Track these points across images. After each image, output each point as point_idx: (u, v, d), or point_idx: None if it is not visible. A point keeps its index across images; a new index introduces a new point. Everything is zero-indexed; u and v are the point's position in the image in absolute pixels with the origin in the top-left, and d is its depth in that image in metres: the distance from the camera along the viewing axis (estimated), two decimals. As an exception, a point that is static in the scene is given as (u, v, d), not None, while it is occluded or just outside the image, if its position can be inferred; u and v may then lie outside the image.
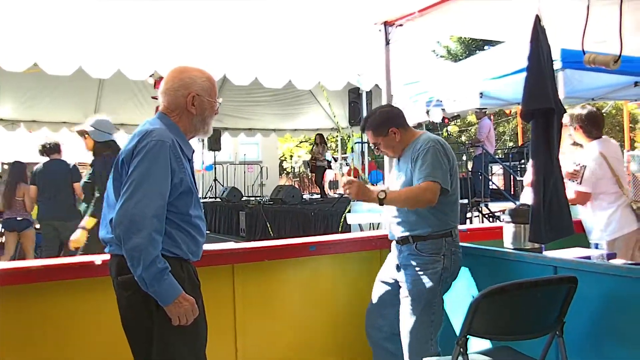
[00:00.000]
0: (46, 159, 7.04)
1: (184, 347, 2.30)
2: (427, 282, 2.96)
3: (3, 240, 7.76)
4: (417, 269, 3.00)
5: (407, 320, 3.00)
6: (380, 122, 3.16)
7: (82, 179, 6.35)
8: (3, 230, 7.66)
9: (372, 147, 3.28)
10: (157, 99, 8.68)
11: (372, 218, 7.38)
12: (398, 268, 3.12)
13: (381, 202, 2.94)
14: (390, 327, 3.17)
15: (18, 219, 7.38)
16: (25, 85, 10.40)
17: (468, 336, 2.25)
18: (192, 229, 2.37)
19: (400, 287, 3.10)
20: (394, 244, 3.21)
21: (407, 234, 3.05)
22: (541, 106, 2.76)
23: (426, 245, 3.00)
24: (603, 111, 12.33)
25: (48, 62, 6.65)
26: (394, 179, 3.24)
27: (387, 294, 3.21)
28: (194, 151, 2.48)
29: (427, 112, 8.72)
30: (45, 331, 2.89)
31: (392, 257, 3.22)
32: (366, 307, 3.31)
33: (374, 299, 3.28)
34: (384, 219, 3.26)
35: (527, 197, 3.85)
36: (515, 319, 2.34)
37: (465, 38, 19.96)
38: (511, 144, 18.83)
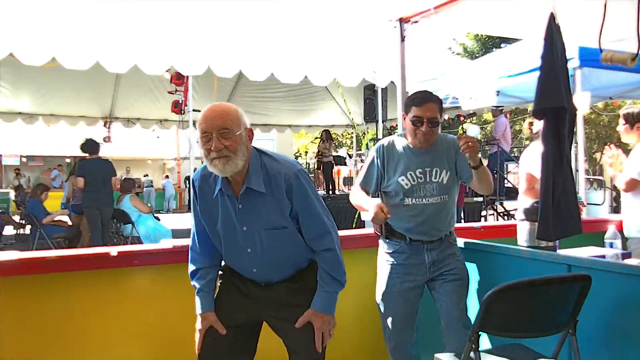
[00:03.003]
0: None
1: None
2: (465, 267, 3.08)
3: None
4: (456, 257, 3.07)
5: (460, 302, 2.97)
6: (441, 101, 3.04)
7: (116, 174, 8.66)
8: (71, 214, 9.22)
9: (422, 122, 2.92)
10: (173, 93, 8.81)
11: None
12: (433, 264, 3.02)
13: (477, 167, 2.88)
14: (415, 333, 3.15)
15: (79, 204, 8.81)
16: (44, 79, 10.51)
17: (480, 333, 2.25)
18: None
19: (431, 281, 3.06)
20: (411, 246, 3.04)
21: (442, 234, 3.05)
22: (552, 105, 2.75)
23: (452, 237, 3.11)
24: (621, 110, 12.24)
25: (66, 56, 6.73)
26: (418, 174, 3.01)
27: (414, 302, 3.10)
28: (220, 189, 2.36)
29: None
30: (60, 321, 2.93)
31: (413, 261, 3.05)
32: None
33: (403, 315, 3.08)
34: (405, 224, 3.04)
35: (522, 203, 3.87)
36: (528, 317, 2.33)
37: (481, 35, 19.84)
38: (527, 142, 18.73)
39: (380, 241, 3.18)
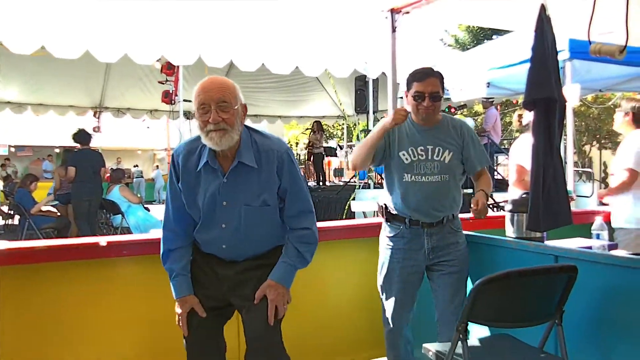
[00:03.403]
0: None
1: None
2: (466, 257, 3.07)
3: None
4: (458, 246, 3.05)
5: (455, 296, 2.98)
6: (443, 78, 3.05)
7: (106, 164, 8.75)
8: (58, 203, 9.15)
9: (424, 97, 2.93)
10: (163, 83, 8.77)
11: (376, 205, 7.40)
12: (433, 251, 3.01)
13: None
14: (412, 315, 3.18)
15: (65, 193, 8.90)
16: (32, 68, 10.43)
17: (468, 322, 2.27)
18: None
19: (430, 269, 3.06)
20: (410, 230, 3.03)
21: (442, 215, 3.02)
22: (543, 95, 2.76)
23: (455, 222, 3.09)
24: (611, 103, 12.31)
25: (55, 45, 6.68)
26: (419, 151, 3.00)
27: (413, 287, 3.10)
28: (206, 162, 2.34)
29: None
30: (50, 311, 2.93)
31: (413, 246, 3.04)
32: (367, 291, 3.31)
33: (402, 299, 3.09)
34: (404, 205, 3.01)
35: (511, 195, 3.91)
36: (515, 307, 2.35)
37: (473, 27, 19.84)
38: (517, 134, 18.80)
39: (383, 224, 3.19)
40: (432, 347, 2.53)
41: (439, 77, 3.00)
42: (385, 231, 3.16)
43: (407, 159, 3.00)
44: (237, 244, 2.42)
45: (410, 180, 3.00)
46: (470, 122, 11.46)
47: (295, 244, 2.45)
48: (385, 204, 3.14)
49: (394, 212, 3.08)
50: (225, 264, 2.47)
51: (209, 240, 2.46)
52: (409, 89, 3.01)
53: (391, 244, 3.10)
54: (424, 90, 2.94)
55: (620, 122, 4.32)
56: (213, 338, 2.46)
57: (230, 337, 2.62)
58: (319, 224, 3.84)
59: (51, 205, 9.19)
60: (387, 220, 3.13)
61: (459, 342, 2.27)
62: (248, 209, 2.37)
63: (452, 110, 11.77)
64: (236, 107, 2.28)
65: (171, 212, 2.49)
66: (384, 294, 3.15)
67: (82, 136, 8.56)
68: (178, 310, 2.43)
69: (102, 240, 2.98)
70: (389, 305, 3.12)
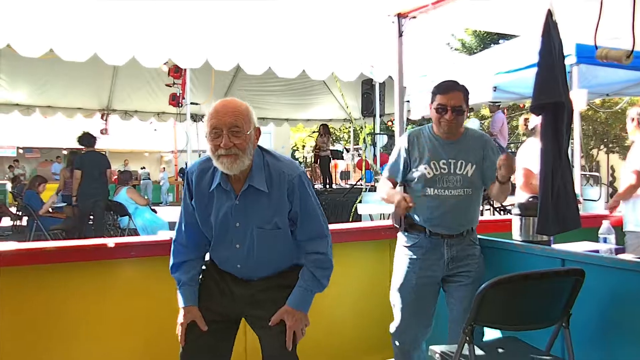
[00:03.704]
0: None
1: None
2: (483, 269, 3.05)
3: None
4: (475, 258, 3.03)
5: (469, 303, 2.94)
6: (467, 91, 3.01)
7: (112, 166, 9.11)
8: (65, 204, 9.21)
9: (446, 110, 2.91)
10: (170, 86, 8.80)
11: (383, 209, 7.41)
12: (452, 261, 2.98)
13: (503, 182, 2.86)
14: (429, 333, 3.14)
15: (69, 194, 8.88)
16: (41, 71, 10.50)
17: (474, 325, 2.28)
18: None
19: (447, 281, 3.03)
20: (430, 240, 3.00)
21: (463, 229, 3.02)
22: (551, 100, 2.76)
23: (473, 235, 3.08)
24: (618, 107, 12.28)
25: (64, 48, 6.72)
26: (441, 164, 2.98)
27: (430, 299, 3.06)
28: (218, 183, 2.34)
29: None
30: (58, 311, 2.95)
31: (431, 256, 3.01)
32: (374, 294, 3.31)
33: (417, 311, 3.05)
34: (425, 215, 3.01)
35: (518, 198, 3.91)
36: (522, 310, 2.36)
37: (480, 31, 19.80)
38: (524, 138, 18.76)
39: (399, 234, 3.15)
40: (438, 349, 2.54)
41: (463, 91, 2.97)
42: (402, 241, 3.12)
43: (429, 173, 2.98)
44: (252, 264, 2.43)
45: (432, 194, 2.98)
46: (476, 123, 11.46)
47: (312, 268, 2.44)
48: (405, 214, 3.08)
49: (414, 222, 3.05)
50: (241, 283, 2.47)
51: (224, 259, 2.48)
52: (432, 101, 3.00)
53: (409, 253, 3.05)
54: (446, 104, 2.92)
55: (631, 129, 4.37)
56: (211, 352, 2.44)
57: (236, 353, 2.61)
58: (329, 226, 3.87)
59: (59, 207, 9.24)
60: (405, 230, 3.09)
61: (465, 344, 2.28)
62: (260, 231, 2.37)
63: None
64: (249, 132, 2.26)
65: (184, 227, 2.50)
66: (397, 304, 3.09)
67: (86, 139, 8.67)
68: (180, 319, 2.43)
69: (110, 242, 3.01)
70: (402, 316, 3.06)
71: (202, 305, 2.45)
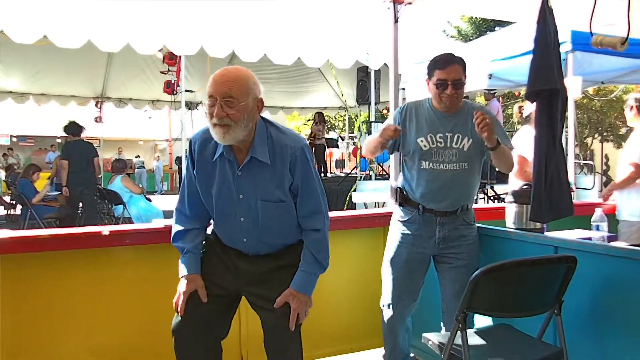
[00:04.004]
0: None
1: None
2: (476, 251, 3.05)
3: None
4: (468, 239, 3.02)
5: (463, 290, 2.96)
6: (465, 65, 2.99)
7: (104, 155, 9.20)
8: (59, 192, 9.37)
9: (447, 85, 2.90)
10: (165, 73, 8.77)
11: (377, 197, 7.42)
12: (443, 240, 3.00)
13: (493, 149, 2.84)
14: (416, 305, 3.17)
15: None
16: (35, 58, 10.43)
17: (467, 312, 2.29)
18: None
19: (438, 260, 3.06)
20: (423, 217, 3.01)
21: (457, 205, 3.00)
22: (545, 87, 2.76)
23: (469, 215, 3.06)
24: (613, 95, 12.29)
25: (57, 34, 6.68)
26: (438, 138, 2.97)
27: (419, 274, 3.10)
28: (221, 153, 2.32)
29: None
30: (52, 299, 2.96)
31: (424, 233, 3.03)
32: (368, 281, 3.32)
33: (406, 284, 3.09)
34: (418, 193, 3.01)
35: (512, 186, 3.92)
36: (514, 297, 2.37)
37: (476, 18, 19.74)
38: (519, 126, 18.76)
39: (395, 207, 3.16)
40: (432, 337, 2.55)
41: (461, 63, 2.97)
42: (397, 215, 3.14)
43: (425, 146, 2.96)
44: (258, 238, 2.41)
45: (428, 167, 2.97)
46: None
47: (312, 250, 2.44)
48: (400, 188, 3.11)
49: (409, 197, 3.06)
50: (247, 259, 2.45)
51: (229, 233, 2.46)
52: (430, 76, 2.97)
53: (403, 227, 3.08)
54: (446, 78, 2.90)
55: (630, 116, 4.36)
56: (207, 325, 2.43)
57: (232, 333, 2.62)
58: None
59: (53, 196, 9.23)
60: (400, 205, 3.11)
61: (458, 332, 2.29)
62: (265, 204, 2.35)
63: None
64: (244, 103, 2.21)
65: (186, 196, 2.48)
66: (388, 277, 3.13)
67: (73, 128, 8.76)
68: (182, 288, 2.38)
69: (105, 230, 3.00)
70: (392, 289, 3.11)
71: (204, 277, 2.43)
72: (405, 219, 3.08)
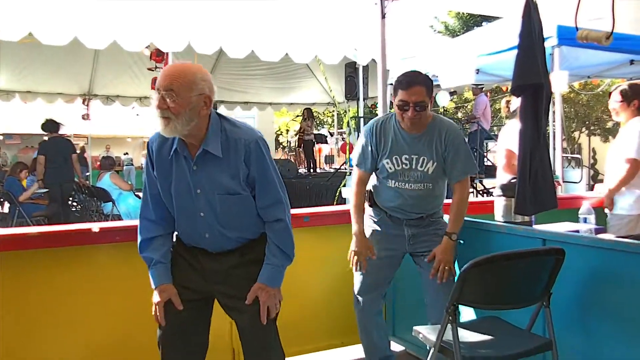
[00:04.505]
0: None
1: None
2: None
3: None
4: (439, 232, 3.08)
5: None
6: (430, 82, 2.93)
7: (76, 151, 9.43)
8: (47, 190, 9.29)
9: (408, 107, 2.86)
10: (152, 70, 8.69)
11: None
12: (413, 237, 3.08)
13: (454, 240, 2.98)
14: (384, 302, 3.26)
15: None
16: (20, 55, 10.32)
17: (457, 305, 2.31)
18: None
19: (415, 255, 3.13)
20: (391, 218, 3.12)
21: (423, 214, 3.08)
22: (530, 82, 2.79)
23: (436, 215, 3.15)
24: (599, 89, 12.36)
25: (43, 31, 6.61)
26: (404, 160, 3.02)
27: (388, 271, 3.19)
28: (175, 149, 2.33)
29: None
30: (42, 296, 2.95)
31: (394, 232, 3.12)
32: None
33: (375, 280, 3.18)
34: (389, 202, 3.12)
35: (500, 179, 3.95)
36: (503, 289, 2.39)
37: (463, 14, 19.81)
38: (506, 120, 18.82)
39: (366, 205, 3.21)
40: (422, 330, 2.57)
41: (425, 83, 2.89)
42: (369, 212, 3.21)
43: (391, 168, 3.03)
44: (219, 233, 2.40)
45: (393, 186, 3.06)
46: (446, 96, 11.49)
47: (277, 242, 2.44)
48: (371, 190, 3.19)
49: (377, 201, 3.15)
50: (212, 257, 2.44)
51: (190, 230, 2.44)
52: (394, 94, 2.95)
53: (375, 226, 3.18)
54: (408, 100, 2.87)
55: (617, 108, 4.27)
56: (188, 331, 2.44)
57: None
58: (311, 209, 3.90)
59: (41, 194, 9.17)
60: (370, 205, 3.19)
61: (449, 324, 2.32)
62: (222, 197, 2.35)
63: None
64: (185, 97, 2.20)
65: (149, 200, 2.46)
66: (358, 274, 3.19)
67: (49, 125, 9.06)
68: (156, 299, 2.40)
69: (95, 227, 3.00)
70: (361, 284, 3.19)
71: (177, 284, 2.43)
72: (376, 219, 3.18)
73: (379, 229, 3.16)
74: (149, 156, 2.43)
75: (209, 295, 2.50)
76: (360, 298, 3.20)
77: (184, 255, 2.49)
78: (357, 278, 3.21)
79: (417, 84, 2.87)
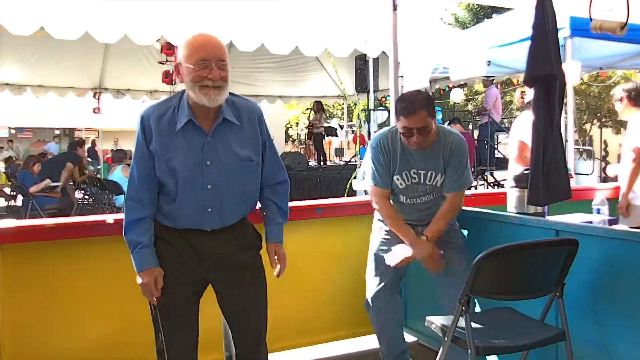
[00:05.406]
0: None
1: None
2: (460, 233, 3.21)
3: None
4: (451, 227, 3.15)
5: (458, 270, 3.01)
6: (430, 102, 2.90)
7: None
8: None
9: (412, 133, 2.86)
10: (163, 64, 8.73)
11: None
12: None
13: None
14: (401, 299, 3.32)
15: None
16: (32, 49, 10.38)
17: (470, 295, 2.32)
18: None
19: None
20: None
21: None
22: (543, 72, 2.78)
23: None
24: (611, 81, 12.27)
25: (54, 26, 6.64)
26: (412, 174, 3.04)
27: (400, 270, 3.18)
28: (189, 120, 2.30)
29: (431, 80, 8.78)
30: (58, 287, 2.99)
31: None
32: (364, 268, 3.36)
33: (389, 281, 3.18)
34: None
35: (513, 171, 3.94)
36: (516, 280, 2.40)
37: (473, 5, 19.70)
38: (517, 113, 18.75)
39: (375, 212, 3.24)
40: (435, 320, 2.58)
41: (426, 107, 2.84)
42: (377, 216, 3.24)
43: (401, 184, 3.06)
44: (224, 205, 2.36)
45: (405, 202, 3.12)
46: (459, 93, 11.52)
47: (279, 203, 2.59)
48: None
49: None
50: (207, 238, 2.38)
51: (191, 206, 2.35)
52: (397, 119, 2.93)
53: (385, 227, 3.18)
54: (411, 127, 2.85)
55: (621, 109, 4.32)
56: (187, 315, 2.43)
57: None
58: (323, 201, 3.92)
59: (53, 186, 9.25)
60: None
61: (461, 315, 2.32)
62: (233, 165, 2.35)
63: (452, 88, 11.77)
64: (227, 67, 2.31)
65: (137, 180, 2.37)
66: (371, 274, 3.22)
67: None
68: (141, 280, 2.33)
69: (109, 218, 3.02)
70: (375, 286, 3.19)
71: (172, 272, 2.38)
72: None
73: (388, 229, 3.16)
74: (142, 132, 2.35)
75: (204, 281, 2.46)
76: (378, 302, 3.19)
77: (173, 243, 2.40)
78: (373, 281, 3.20)
79: (417, 111, 2.82)
